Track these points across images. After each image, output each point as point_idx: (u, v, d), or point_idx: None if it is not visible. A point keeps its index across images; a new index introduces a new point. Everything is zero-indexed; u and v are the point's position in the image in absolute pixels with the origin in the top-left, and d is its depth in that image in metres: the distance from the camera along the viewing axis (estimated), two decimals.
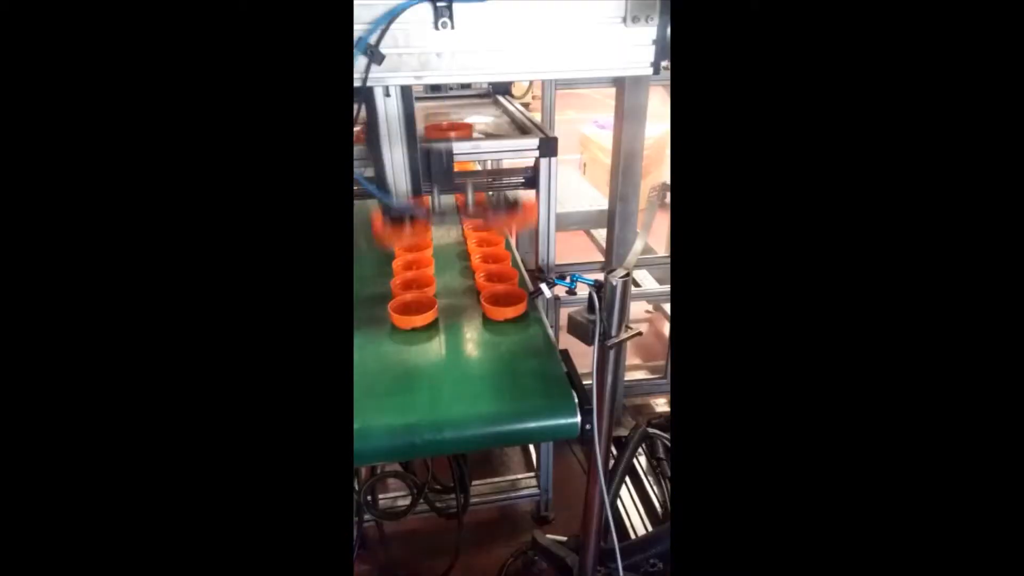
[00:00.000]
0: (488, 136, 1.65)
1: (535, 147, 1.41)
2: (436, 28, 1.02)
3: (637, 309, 3.27)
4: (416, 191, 1.20)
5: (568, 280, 1.18)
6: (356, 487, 1.73)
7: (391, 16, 0.98)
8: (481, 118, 1.86)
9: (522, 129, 1.67)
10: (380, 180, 1.18)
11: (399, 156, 1.17)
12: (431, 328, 1.38)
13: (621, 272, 1.02)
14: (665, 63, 1.12)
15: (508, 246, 1.78)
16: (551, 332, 1.41)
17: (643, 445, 2.13)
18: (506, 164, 1.91)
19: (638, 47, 1.09)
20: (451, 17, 1.01)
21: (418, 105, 1.35)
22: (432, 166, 1.19)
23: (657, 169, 4.47)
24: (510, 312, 1.38)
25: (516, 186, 1.52)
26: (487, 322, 1.40)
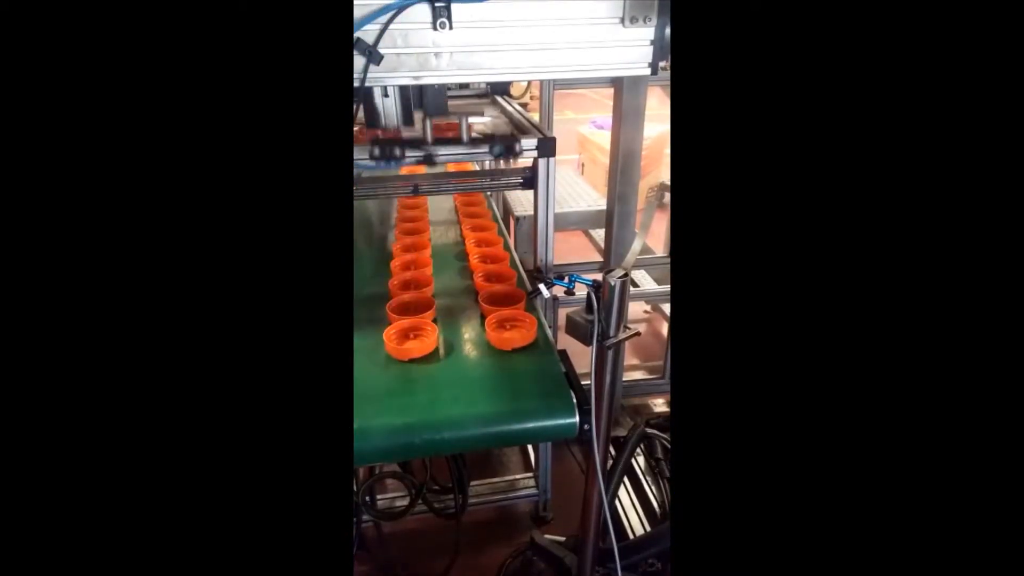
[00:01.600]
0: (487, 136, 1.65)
1: (533, 147, 1.41)
2: (434, 28, 1.02)
3: (635, 309, 3.28)
4: (407, 121, 1.22)
5: (566, 280, 1.18)
6: (355, 487, 1.73)
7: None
8: (479, 118, 1.85)
9: (520, 129, 1.67)
10: (370, 110, 1.21)
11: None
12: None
13: (619, 272, 1.02)
14: (664, 63, 1.12)
15: (506, 246, 1.78)
16: (549, 332, 1.41)
17: (641, 445, 2.13)
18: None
19: (636, 47, 1.09)
20: (449, 17, 1.01)
21: None
22: (425, 95, 1.20)
23: (655, 169, 4.48)
24: (517, 340, 1.32)
25: (515, 186, 1.53)
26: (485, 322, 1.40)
